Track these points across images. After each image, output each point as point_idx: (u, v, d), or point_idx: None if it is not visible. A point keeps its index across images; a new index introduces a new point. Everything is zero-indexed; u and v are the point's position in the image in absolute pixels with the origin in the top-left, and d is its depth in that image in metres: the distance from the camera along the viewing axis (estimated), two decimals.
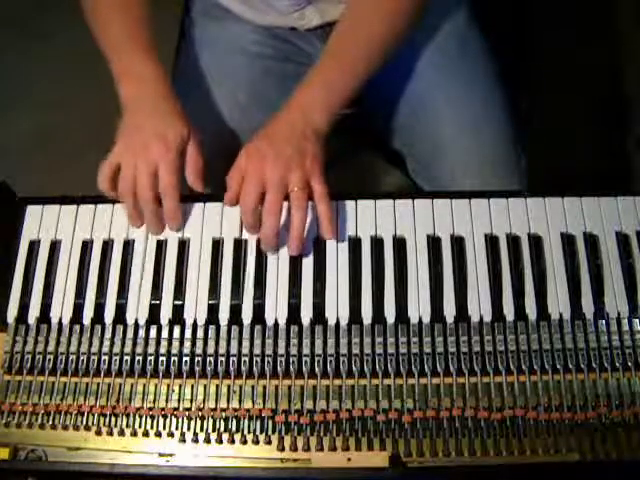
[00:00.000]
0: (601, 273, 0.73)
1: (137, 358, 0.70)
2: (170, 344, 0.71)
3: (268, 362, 0.69)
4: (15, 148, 1.63)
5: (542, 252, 0.74)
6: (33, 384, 0.70)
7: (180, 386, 0.69)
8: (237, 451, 0.67)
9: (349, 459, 0.65)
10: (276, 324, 0.71)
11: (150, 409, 0.68)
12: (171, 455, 0.67)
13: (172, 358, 0.70)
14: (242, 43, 0.99)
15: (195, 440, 0.67)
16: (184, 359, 0.70)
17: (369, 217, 0.76)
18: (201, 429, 0.67)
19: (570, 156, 1.46)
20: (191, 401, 0.69)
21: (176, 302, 0.73)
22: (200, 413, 0.68)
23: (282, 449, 0.67)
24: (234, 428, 0.67)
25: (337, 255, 0.75)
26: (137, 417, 0.68)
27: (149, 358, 0.70)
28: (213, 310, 0.72)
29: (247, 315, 0.72)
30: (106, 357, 0.70)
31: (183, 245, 0.76)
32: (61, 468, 0.66)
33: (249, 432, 0.67)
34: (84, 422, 0.68)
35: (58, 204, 0.79)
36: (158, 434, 0.68)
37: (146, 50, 0.81)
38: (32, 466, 0.67)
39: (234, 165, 0.75)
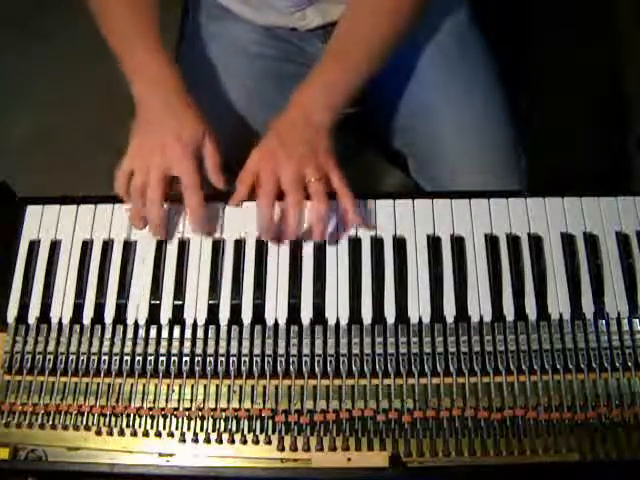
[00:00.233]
0: (601, 273, 0.73)
1: (137, 358, 0.70)
2: (170, 344, 0.71)
3: (268, 362, 0.69)
4: (15, 148, 1.63)
5: (542, 252, 0.74)
6: (33, 384, 0.70)
7: (180, 386, 0.69)
8: (237, 451, 0.67)
9: (349, 459, 0.65)
10: (276, 324, 0.71)
11: (150, 409, 0.68)
12: (171, 455, 0.67)
13: (172, 358, 0.70)
14: (242, 43, 0.99)
15: (195, 440, 0.67)
16: (184, 359, 0.70)
17: (369, 217, 0.76)
18: (201, 429, 0.67)
19: (570, 156, 1.46)
20: (191, 401, 0.69)
21: (176, 302, 0.73)
22: (200, 413, 0.68)
23: (282, 449, 0.67)
24: (234, 428, 0.67)
25: (337, 255, 0.75)
26: (137, 417, 0.68)
27: (149, 358, 0.70)
28: (213, 310, 0.72)
29: (247, 315, 0.72)
30: (106, 357, 0.70)
31: (183, 245, 0.76)
32: (61, 468, 0.66)
33: (249, 432, 0.67)
34: (84, 422, 0.68)
35: (58, 204, 0.79)
36: (158, 434, 0.68)
37: (159, 49, 0.81)
38: (32, 466, 0.67)
39: (245, 167, 0.75)
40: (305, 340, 0.70)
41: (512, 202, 0.77)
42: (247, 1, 0.97)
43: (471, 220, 0.76)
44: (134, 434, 0.68)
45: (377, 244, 0.75)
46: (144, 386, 0.69)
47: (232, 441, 0.67)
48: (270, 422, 0.67)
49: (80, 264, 0.75)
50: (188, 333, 0.71)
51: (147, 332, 0.72)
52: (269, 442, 0.67)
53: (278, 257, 0.75)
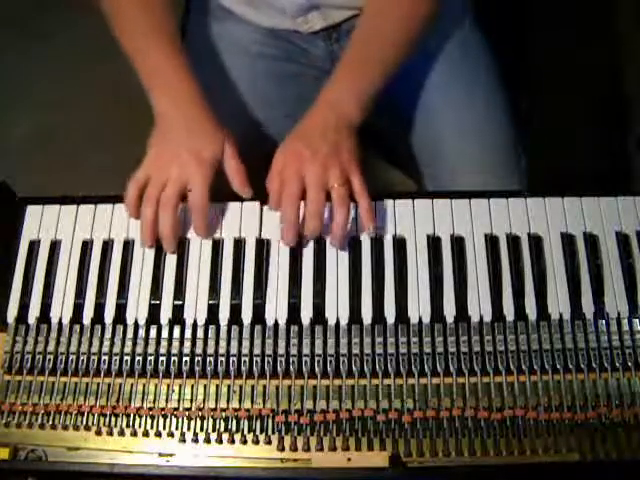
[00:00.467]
0: (601, 273, 0.73)
1: (137, 358, 0.70)
2: (170, 344, 0.71)
3: (268, 362, 0.69)
4: (15, 148, 1.63)
5: (542, 252, 0.74)
6: (33, 384, 0.70)
7: (180, 386, 0.69)
8: (237, 451, 0.67)
9: (349, 459, 0.65)
10: (276, 324, 0.71)
11: (150, 409, 0.68)
12: (171, 455, 0.67)
13: (172, 358, 0.70)
14: (244, 43, 0.99)
15: (195, 440, 0.67)
16: (184, 359, 0.70)
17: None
18: (201, 429, 0.67)
19: (570, 156, 1.46)
20: (191, 401, 0.69)
21: (176, 302, 0.73)
22: (200, 413, 0.68)
23: (282, 449, 0.67)
24: (234, 428, 0.67)
25: (337, 255, 0.75)
26: (137, 417, 0.68)
27: (149, 358, 0.70)
28: (213, 310, 0.72)
29: (247, 315, 0.72)
30: (106, 357, 0.70)
31: (183, 245, 0.76)
32: (61, 468, 0.66)
33: (249, 432, 0.67)
34: (84, 422, 0.68)
35: (58, 204, 0.79)
36: (158, 434, 0.68)
37: (177, 56, 0.80)
38: (32, 466, 0.67)
39: (272, 168, 0.75)
40: (305, 340, 0.70)
41: (512, 202, 0.77)
42: (250, 3, 0.97)
43: (471, 220, 0.76)
44: (134, 434, 0.68)
45: (377, 244, 0.75)
46: (144, 386, 0.69)
47: (232, 441, 0.67)
48: (270, 422, 0.67)
49: (80, 264, 0.75)
50: (188, 333, 0.71)
51: (147, 332, 0.72)
52: (269, 442, 0.67)
53: (278, 257, 0.75)
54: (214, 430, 0.67)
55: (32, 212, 0.79)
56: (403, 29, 0.83)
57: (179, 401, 0.69)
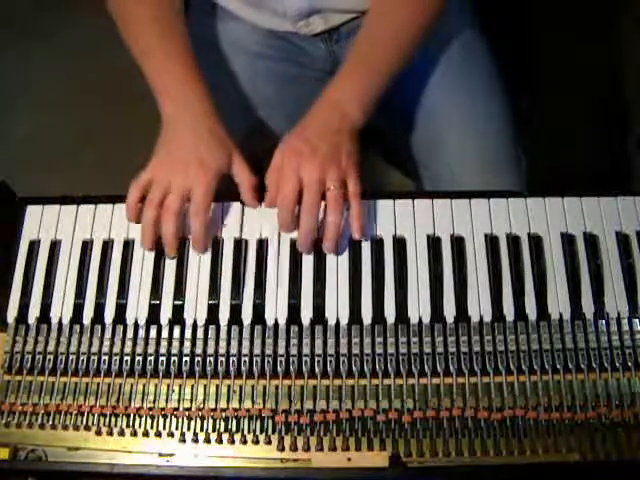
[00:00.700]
0: (601, 273, 0.73)
1: (137, 358, 0.70)
2: (170, 344, 0.71)
3: (268, 362, 0.69)
4: (15, 148, 1.63)
5: (542, 252, 0.74)
6: (33, 384, 0.70)
7: (180, 386, 0.69)
8: (237, 451, 0.67)
9: (349, 459, 0.65)
10: (276, 324, 0.71)
11: (150, 409, 0.68)
12: (171, 455, 0.67)
13: (172, 358, 0.70)
14: (243, 43, 0.99)
15: (195, 440, 0.67)
16: (184, 359, 0.70)
17: (369, 217, 0.76)
18: (201, 429, 0.68)
19: (570, 156, 1.46)
20: (191, 401, 0.69)
21: (176, 302, 0.73)
22: (200, 413, 0.68)
23: (282, 449, 0.67)
24: (234, 428, 0.67)
25: (337, 255, 0.75)
26: (137, 417, 0.68)
27: (149, 358, 0.70)
28: (213, 310, 0.72)
29: (247, 315, 0.72)
30: (106, 357, 0.71)
31: (183, 245, 0.76)
32: (61, 468, 0.66)
33: (249, 432, 0.67)
34: (84, 422, 0.68)
35: (58, 204, 0.79)
36: (158, 434, 0.68)
37: (186, 64, 0.80)
38: (32, 466, 0.67)
39: (271, 165, 0.75)
40: (305, 340, 0.70)
41: (512, 202, 0.77)
42: (251, 5, 0.97)
43: (471, 220, 0.76)
44: (134, 434, 0.68)
45: (377, 244, 0.75)
46: (144, 386, 0.69)
47: (232, 441, 0.67)
48: (270, 422, 0.67)
49: (80, 264, 0.75)
50: (188, 333, 0.71)
51: (147, 332, 0.72)
52: (269, 442, 0.67)
53: (278, 257, 0.75)
54: (214, 430, 0.67)
55: (32, 212, 0.79)
56: (408, 30, 0.83)
57: (179, 401, 0.69)
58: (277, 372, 0.69)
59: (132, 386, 0.69)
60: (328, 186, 0.72)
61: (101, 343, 0.71)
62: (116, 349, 0.71)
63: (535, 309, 0.71)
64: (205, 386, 0.69)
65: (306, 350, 0.70)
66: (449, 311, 0.72)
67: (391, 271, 0.74)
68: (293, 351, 0.70)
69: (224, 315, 0.72)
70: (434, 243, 0.75)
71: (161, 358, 0.70)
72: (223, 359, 0.70)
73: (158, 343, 0.71)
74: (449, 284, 0.73)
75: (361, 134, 0.79)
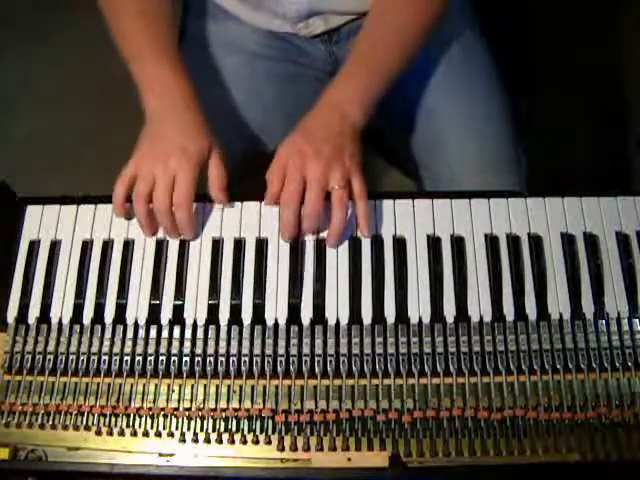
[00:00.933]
0: (601, 273, 0.73)
1: (137, 358, 0.70)
2: (170, 344, 0.71)
3: (268, 362, 0.69)
4: (15, 148, 1.63)
5: (542, 252, 0.74)
6: (33, 384, 0.70)
7: (180, 386, 0.69)
8: (237, 451, 0.67)
9: (349, 459, 0.65)
10: (276, 324, 0.71)
11: (150, 409, 0.68)
12: (171, 455, 0.67)
13: (172, 358, 0.70)
14: (242, 43, 0.99)
15: (195, 440, 0.67)
16: (184, 359, 0.70)
17: (370, 216, 0.76)
18: (201, 429, 0.67)
19: (570, 156, 1.46)
20: (191, 401, 0.69)
21: (176, 302, 0.73)
22: (200, 413, 0.68)
23: (282, 449, 0.67)
24: (234, 428, 0.67)
25: (337, 255, 0.75)
26: (137, 417, 0.68)
27: (149, 358, 0.70)
28: (213, 310, 0.72)
29: (247, 315, 0.72)
30: (106, 357, 0.70)
31: (183, 245, 0.76)
32: (61, 468, 0.66)
33: (249, 432, 0.67)
34: (84, 422, 0.68)
35: (58, 204, 0.79)
36: (158, 434, 0.68)
37: (171, 59, 0.80)
38: (32, 466, 0.67)
39: (274, 163, 0.75)
40: (305, 340, 0.70)
41: (512, 202, 0.77)
42: (250, 6, 0.97)
43: (471, 220, 0.76)
44: (134, 434, 0.68)
45: (377, 244, 0.75)
46: (144, 386, 0.69)
47: (232, 441, 0.67)
48: (270, 422, 0.67)
49: (80, 264, 0.75)
50: (188, 333, 0.71)
51: (147, 332, 0.72)
52: (269, 442, 0.67)
53: (278, 257, 0.75)
54: (214, 430, 0.67)
55: (32, 212, 0.79)
56: (409, 31, 0.83)
57: (179, 401, 0.69)
58: (277, 372, 0.69)
59: (132, 386, 0.69)
60: (332, 185, 0.73)
61: (101, 343, 0.71)
62: (116, 349, 0.71)
63: (535, 309, 0.71)
64: (205, 386, 0.69)
65: (306, 350, 0.70)
66: (449, 311, 0.72)
67: (391, 271, 0.74)
68: (293, 351, 0.70)
69: (224, 315, 0.72)
70: (434, 243, 0.75)
71: (161, 358, 0.70)
72: (223, 359, 0.70)
73: (158, 343, 0.71)
74: (449, 284, 0.73)
75: (362, 134, 0.79)
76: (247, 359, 0.70)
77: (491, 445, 0.66)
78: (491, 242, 0.75)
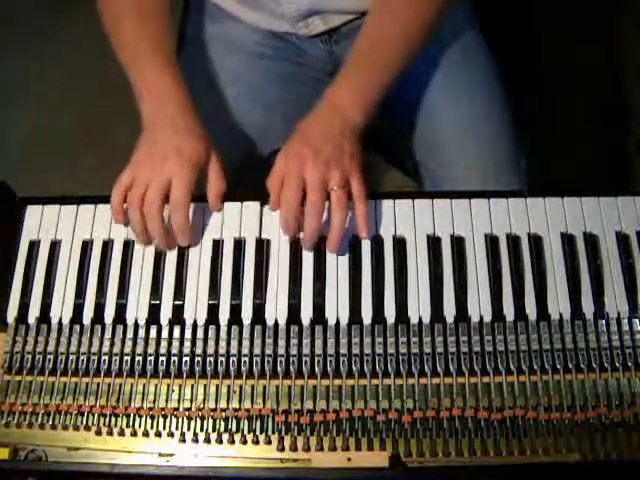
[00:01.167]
0: (601, 273, 0.73)
1: (137, 358, 0.70)
2: (170, 344, 0.71)
3: (268, 362, 0.69)
4: (15, 148, 1.63)
5: (542, 252, 0.74)
6: (33, 384, 0.70)
7: (180, 386, 0.69)
8: (237, 451, 0.67)
9: (349, 459, 0.65)
10: (276, 324, 0.71)
11: (150, 409, 0.68)
12: (171, 455, 0.67)
13: (172, 358, 0.70)
14: (242, 43, 0.99)
15: (195, 440, 0.67)
16: (184, 359, 0.70)
17: (369, 217, 0.76)
18: (201, 429, 0.67)
19: (570, 156, 1.46)
20: (191, 401, 0.69)
21: (176, 302, 0.73)
22: (200, 413, 0.68)
23: (282, 449, 0.67)
24: (234, 428, 0.67)
25: (337, 255, 0.75)
26: (137, 417, 0.68)
27: (149, 358, 0.70)
28: (213, 310, 0.72)
29: (247, 315, 0.72)
30: (106, 357, 0.70)
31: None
32: (61, 468, 0.66)
33: (249, 432, 0.67)
34: (84, 422, 0.68)
35: (58, 204, 0.79)
36: (158, 434, 0.68)
37: (168, 65, 0.80)
38: (32, 466, 0.67)
39: (274, 170, 0.75)
40: (305, 340, 0.70)
41: (512, 202, 0.77)
42: (249, 6, 0.97)
43: (471, 220, 0.76)
44: (134, 434, 0.68)
45: (377, 244, 0.75)
46: (144, 386, 0.69)
47: (232, 441, 0.67)
48: (270, 422, 0.67)
49: (80, 264, 0.75)
50: (188, 333, 0.71)
51: (147, 332, 0.72)
52: (269, 442, 0.67)
53: (278, 257, 0.75)
54: (214, 430, 0.67)
55: (32, 212, 0.79)
56: (410, 30, 0.83)
57: (179, 401, 0.69)
58: (277, 372, 0.69)
59: (132, 386, 0.69)
60: (331, 187, 0.72)
61: (101, 343, 0.71)
62: (116, 349, 0.71)
63: (535, 309, 0.71)
64: (205, 386, 0.69)
65: (306, 350, 0.70)
66: (449, 311, 0.72)
67: (391, 271, 0.74)
68: (293, 351, 0.70)
69: (224, 315, 0.72)
70: (434, 243, 0.75)
71: (161, 358, 0.70)
72: (223, 359, 0.70)
73: (158, 343, 0.71)
74: (449, 284, 0.73)
75: (362, 135, 0.79)
76: (247, 359, 0.70)
77: (491, 445, 0.66)
78: (491, 242, 0.75)
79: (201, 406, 0.68)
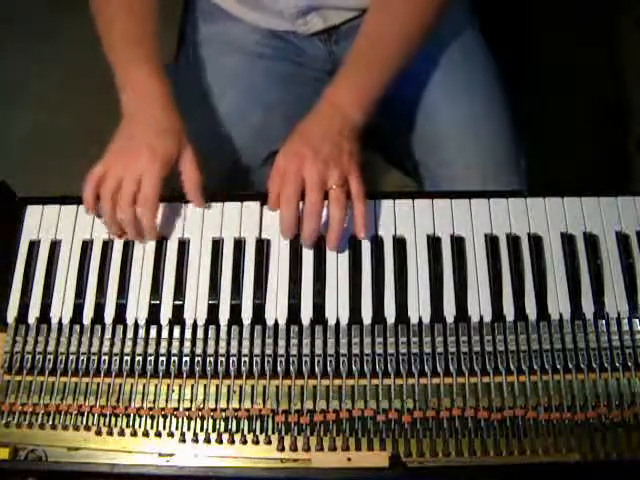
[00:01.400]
0: (601, 273, 0.73)
1: (137, 358, 0.70)
2: (170, 344, 0.71)
3: (268, 362, 0.69)
4: (15, 148, 1.63)
5: (542, 252, 0.74)
6: (33, 384, 0.70)
7: (180, 386, 0.69)
8: (237, 451, 0.67)
9: (349, 459, 0.65)
10: (276, 324, 0.71)
11: (150, 409, 0.68)
12: (171, 455, 0.67)
13: (172, 358, 0.70)
14: (242, 43, 0.99)
15: (195, 440, 0.67)
16: (184, 359, 0.70)
17: (369, 217, 0.76)
18: (201, 429, 0.67)
19: (570, 156, 1.46)
20: (191, 401, 0.69)
21: (176, 302, 0.73)
22: (200, 413, 0.68)
23: (282, 449, 0.67)
24: (234, 428, 0.67)
25: (337, 255, 0.75)
26: (137, 417, 0.68)
27: (149, 358, 0.70)
28: (213, 310, 0.72)
29: (247, 315, 0.72)
30: (106, 357, 0.70)
31: (183, 245, 0.76)
32: (61, 468, 0.66)
33: (249, 432, 0.67)
34: (84, 422, 0.68)
35: (58, 204, 0.79)
36: (158, 434, 0.68)
37: (151, 60, 0.80)
38: (32, 466, 0.67)
39: (273, 171, 0.75)
40: (305, 340, 0.70)
41: (512, 202, 0.77)
42: (248, 5, 0.97)
43: (471, 220, 0.76)
44: (134, 434, 0.68)
45: (377, 244, 0.75)
46: (144, 386, 0.69)
47: (232, 441, 0.67)
48: (270, 422, 0.67)
49: (80, 264, 0.75)
50: (188, 333, 0.71)
51: (147, 332, 0.72)
52: (269, 442, 0.67)
53: (278, 257, 0.75)
54: (214, 430, 0.67)
55: (32, 212, 0.79)
56: (410, 28, 0.83)
57: (179, 401, 0.69)
58: (277, 372, 0.69)
59: (132, 386, 0.69)
60: (330, 185, 0.73)
61: (101, 343, 0.71)
62: (116, 349, 0.71)
63: (535, 309, 0.71)
64: (205, 386, 0.69)
65: (306, 350, 0.70)
66: (449, 311, 0.72)
67: (391, 271, 0.74)
68: (293, 351, 0.70)
69: (224, 315, 0.72)
70: (434, 243, 0.75)
71: (161, 358, 0.70)
72: (223, 359, 0.70)
73: (158, 343, 0.71)
74: (449, 284, 0.73)
75: (361, 134, 0.79)
76: (247, 359, 0.70)
77: (491, 445, 0.66)
78: (491, 242, 0.75)
79: (201, 406, 0.68)
